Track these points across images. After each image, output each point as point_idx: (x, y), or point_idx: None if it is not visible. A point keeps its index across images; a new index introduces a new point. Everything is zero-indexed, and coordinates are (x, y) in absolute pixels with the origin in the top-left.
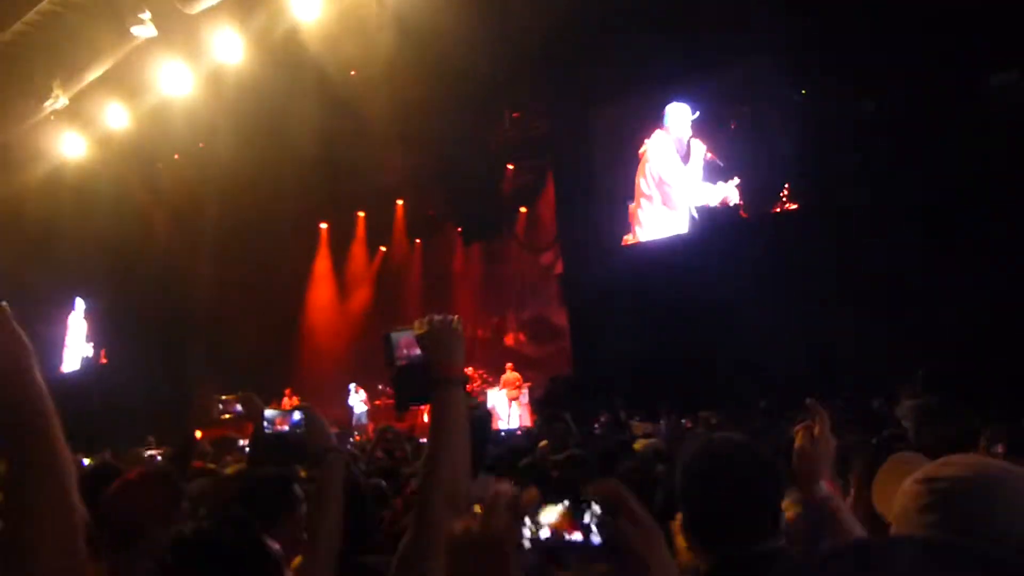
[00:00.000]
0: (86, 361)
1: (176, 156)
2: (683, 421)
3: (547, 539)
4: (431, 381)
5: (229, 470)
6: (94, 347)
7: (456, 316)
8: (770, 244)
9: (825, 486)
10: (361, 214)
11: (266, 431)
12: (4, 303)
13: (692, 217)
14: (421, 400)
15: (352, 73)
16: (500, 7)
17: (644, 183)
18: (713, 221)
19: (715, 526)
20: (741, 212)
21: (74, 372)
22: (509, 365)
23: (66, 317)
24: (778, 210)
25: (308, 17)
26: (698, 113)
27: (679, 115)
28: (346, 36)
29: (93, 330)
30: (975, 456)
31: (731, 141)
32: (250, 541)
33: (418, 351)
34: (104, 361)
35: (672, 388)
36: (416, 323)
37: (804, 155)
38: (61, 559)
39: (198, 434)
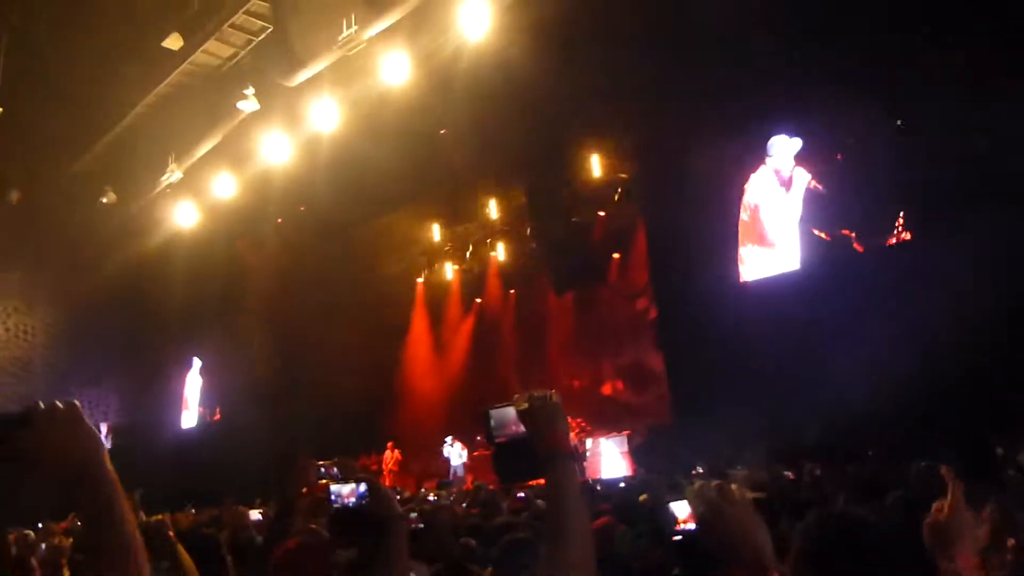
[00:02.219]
0: (201, 419)
1: (280, 220)
2: (786, 473)
3: None
4: (540, 458)
5: None
6: (208, 405)
7: (553, 390)
8: (886, 277)
9: (960, 564)
10: (455, 267)
11: (334, 505)
12: (76, 402)
13: (802, 253)
14: (525, 477)
15: (442, 132)
16: (581, 55)
17: (746, 219)
18: (825, 257)
19: None
20: (855, 245)
21: (190, 429)
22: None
23: (184, 375)
24: (893, 241)
25: (397, 81)
26: (801, 143)
27: (782, 146)
28: (433, 96)
29: (207, 388)
30: None
31: (840, 173)
32: None
33: (519, 428)
34: (217, 418)
35: (774, 435)
36: (515, 398)
37: (914, 184)
38: None
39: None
